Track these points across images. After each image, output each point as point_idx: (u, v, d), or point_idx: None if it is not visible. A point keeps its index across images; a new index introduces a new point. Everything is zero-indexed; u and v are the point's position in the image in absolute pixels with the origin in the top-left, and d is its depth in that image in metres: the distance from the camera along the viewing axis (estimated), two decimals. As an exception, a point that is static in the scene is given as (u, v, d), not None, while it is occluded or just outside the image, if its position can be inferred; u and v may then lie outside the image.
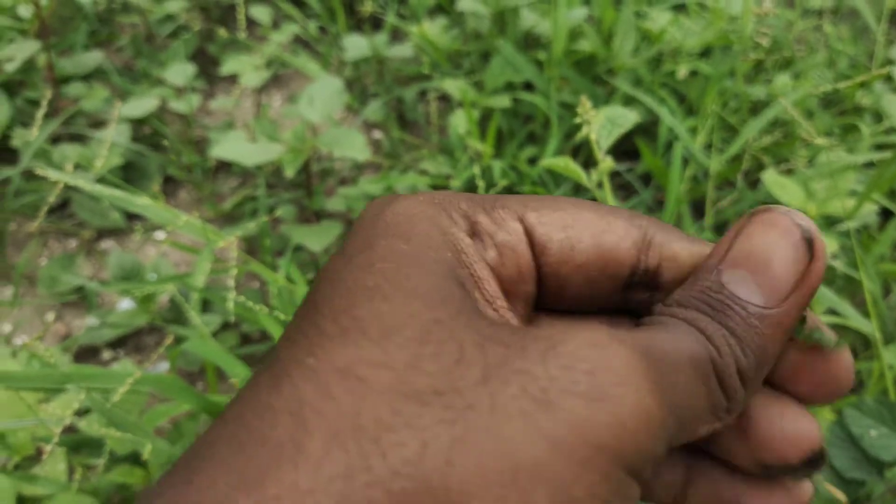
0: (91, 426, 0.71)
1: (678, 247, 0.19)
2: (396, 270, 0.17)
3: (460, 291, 0.17)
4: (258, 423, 0.15)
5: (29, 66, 1.24)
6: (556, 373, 0.15)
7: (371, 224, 0.18)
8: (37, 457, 0.77)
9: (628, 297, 0.20)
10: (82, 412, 0.78)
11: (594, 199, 1.19)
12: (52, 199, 0.70)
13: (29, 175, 1.12)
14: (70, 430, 0.84)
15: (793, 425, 0.19)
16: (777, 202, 1.02)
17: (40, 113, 0.76)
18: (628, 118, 0.75)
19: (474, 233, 0.19)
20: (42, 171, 0.57)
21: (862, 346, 0.97)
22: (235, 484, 0.14)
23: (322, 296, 0.17)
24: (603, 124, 0.73)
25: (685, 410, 0.16)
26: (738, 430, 0.19)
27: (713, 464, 0.20)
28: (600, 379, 0.15)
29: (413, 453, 0.14)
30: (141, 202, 0.55)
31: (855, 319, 0.81)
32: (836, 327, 0.97)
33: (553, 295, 0.20)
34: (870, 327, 0.79)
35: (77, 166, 1.08)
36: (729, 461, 0.20)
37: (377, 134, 1.39)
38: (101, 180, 0.95)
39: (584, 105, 0.68)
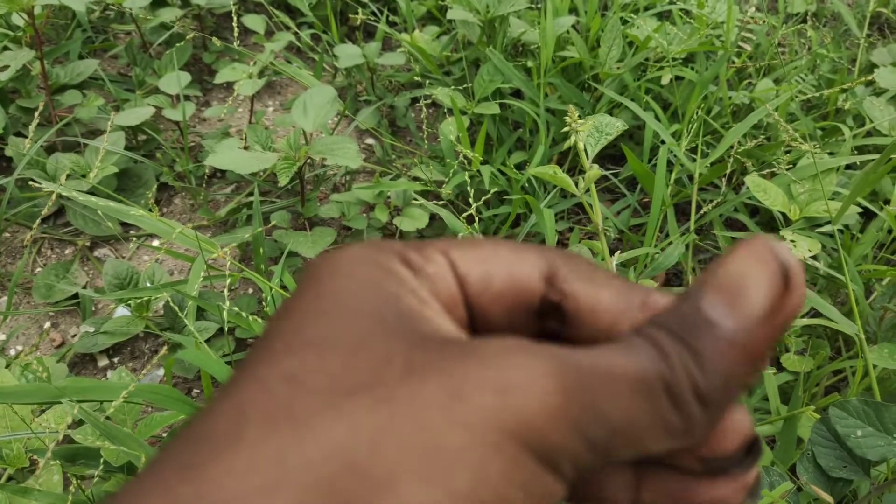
0: (86, 437, 0.72)
1: (577, 286, 0.21)
2: (340, 299, 0.19)
3: (399, 312, 0.19)
4: (205, 421, 0.17)
5: (23, 74, 1.25)
6: (471, 371, 0.17)
7: (319, 267, 0.20)
8: (31, 468, 0.78)
9: (543, 325, 0.22)
10: (77, 422, 0.79)
11: (580, 205, 1.21)
12: (46, 208, 0.71)
13: (24, 184, 1.13)
14: (65, 440, 0.84)
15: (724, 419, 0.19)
16: (760, 205, 1.05)
17: (33, 124, 0.77)
18: (615, 126, 0.77)
19: (409, 268, 0.21)
20: (35, 181, 0.59)
21: (845, 345, 0.99)
22: (178, 471, 0.15)
23: (274, 324, 0.19)
24: (590, 133, 0.75)
25: (620, 423, 0.17)
26: None
27: (661, 463, 0.21)
28: (508, 375, 0.17)
29: (342, 436, 0.16)
30: (134, 213, 0.57)
31: (838, 320, 0.83)
32: (816, 328, 0.99)
33: (481, 322, 0.22)
34: (854, 329, 0.81)
35: (71, 175, 1.09)
36: (672, 462, 0.21)
37: (369, 140, 1.41)
38: (96, 189, 0.96)
39: (572, 114, 0.70)
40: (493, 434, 0.16)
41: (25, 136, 1.16)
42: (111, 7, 1.21)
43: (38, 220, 0.70)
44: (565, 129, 0.70)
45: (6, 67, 1.18)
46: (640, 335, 0.18)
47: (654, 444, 0.18)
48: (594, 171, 0.67)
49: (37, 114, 0.80)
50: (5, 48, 1.26)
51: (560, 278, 0.21)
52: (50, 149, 1.25)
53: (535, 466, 0.16)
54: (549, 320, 0.21)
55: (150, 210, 0.64)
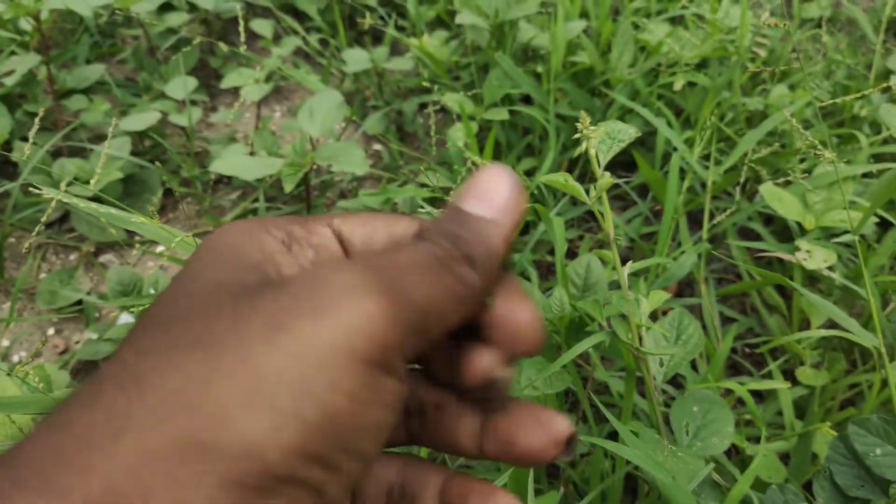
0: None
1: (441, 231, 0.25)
2: (190, 276, 0.22)
3: (253, 277, 0.21)
4: (76, 394, 0.19)
5: (30, 79, 1.25)
6: (287, 303, 0.19)
7: (202, 244, 0.24)
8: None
9: None
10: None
11: (591, 213, 1.19)
12: (50, 213, 0.70)
13: (29, 189, 1.12)
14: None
15: (475, 353, 0.24)
16: (774, 214, 1.02)
17: (33, 130, 0.76)
18: (628, 133, 0.75)
19: (292, 239, 0.24)
20: (36, 187, 0.58)
21: (861, 358, 0.97)
22: (49, 431, 0.18)
23: (143, 312, 0.23)
24: (602, 139, 0.73)
25: (427, 303, 0.21)
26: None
27: (492, 413, 0.26)
28: (322, 297, 0.19)
29: (178, 384, 0.18)
30: (136, 220, 0.56)
31: (858, 333, 0.80)
32: (832, 341, 0.97)
33: None
34: (874, 341, 0.79)
35: (76, 180, 1.08)
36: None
37: (377, 146, 1.40)
38: (100, 195, 0.95)
39: (584, 120, 0.68)
40: (317, 353, 0.18)
41: (34, 142, 1.15)
42: (119, 12, 1.20)
43: (38, 226, 0.69)
44: (576, 135, 0.68)
45: (12, 72, 1.17)
46: (419, 239, 0.23)
47: (452, 312, 0.22)
48: (606, 180, 0.66)
49: (37, 119, 0.80)
50: (12, 53, 1.26)
51: (429, 233, 0.24)
52: (57, 153, 1.25)
53: (368, 371, 0.19)
54: None
55: (151, 217, 0.63)
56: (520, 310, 0.24)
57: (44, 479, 0.17)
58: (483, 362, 0.24)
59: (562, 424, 0.25)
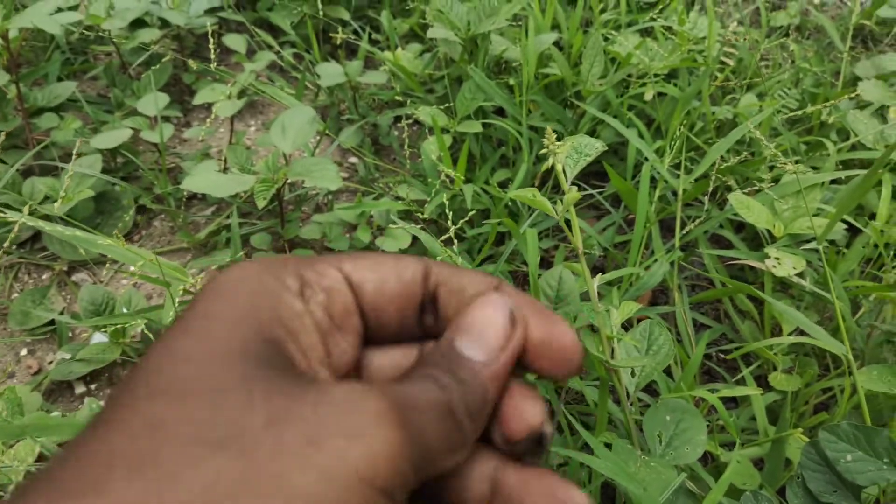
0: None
1: (446, 274, 0.25)
2: (206, 333, 0.21)
3: (266, 348, 0.21)
4: (70, 467, 0.18)
5: None
6: (325, 417, 0.19)
7: (204, 291, 0.22)
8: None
9: (424, 322, 0.26)
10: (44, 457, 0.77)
11: (558, 226, 1.20)
12: (16, 235, 0.70)
13: (-1, 208, 1.11)
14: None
15: (522, 405, 0.24)
16: (745, 221, 1.04)
17: (0, 148, 0.76)
18: (594, 147, 0.76)
19: (304, 284, 0.23)
20: (3, 212, 0.57)
21: (833, 363, 0.98)
22: None
23: (146, 361, 0.20)
24: (569, 154, 0.74)
25: (431, 444, 0.21)
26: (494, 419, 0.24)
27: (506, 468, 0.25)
28: (357, 420, 0.19)
29: (203, 487, 0.17)
30: (102, 242, 0.55)
31: (826, 341, 0.81)
32: (804, 346, 0.98)
33: (375, 326, 0.25)
34: (842, 349, 0.80)
35: (47, 199, 1.07)
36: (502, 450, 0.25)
37: (352, 159, 1.40)
38: (70, 214, 0.94)
39: (550, 136, 0.69)
40: (346, 478, 0.18)
41: (3, 161, 1.14)
42: (90, 29, 1.20)
43: (5, 246, 0.68)
44: (544, 150, 0.69)
45: (-19, 91, 1.16)
46: (423, 373, 0.22)
47: (447, 461, 0.22)
48: (572, 195, 0.66)
49: (2, 137, 0.79)
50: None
51: (434, 273, 0.25)
52: (28, 172, 1.23)
53: (379, 499, 0.19)
54: (426, 316, 0.26)
55: (117, 239, 0.62)
56: (561, 333, 0.24)
57: None
58: (535, 415, 0.23)
59: (579, 500, 0.24)
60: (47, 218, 1.01)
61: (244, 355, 0.20)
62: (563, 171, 0.70)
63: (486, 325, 0.24)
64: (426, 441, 0.21)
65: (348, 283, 0.24)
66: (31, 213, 0.81)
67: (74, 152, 0.79)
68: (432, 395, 0.21)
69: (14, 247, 1.13)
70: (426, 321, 0.26)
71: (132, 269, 1.16)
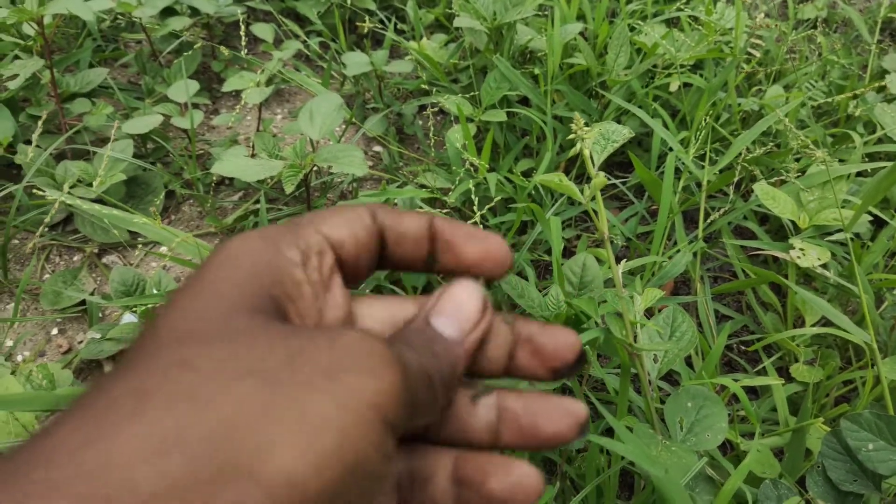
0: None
1: (389, 217, 0.28)
2: (216, 293, 0.23)
3: (273, 304, 0.24)
4: (104, 400, 0.19)
5: (33, 83, 1.26)
6: (340, 356, 0.21)
7: (209, 259, 0.25)
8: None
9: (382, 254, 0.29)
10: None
11: (580, 216, 1.20)
12: (53, 215, 0.72)
13: (32, 191, 1.14)
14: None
15: (556, 335, 0.28)
16: (769, 213, 1.03)
17: (37, 133, 0.78)
18: (622, 133, 0.76)
19: (303, 254, 0.26)
20: (40, 189, 0.59)
21: (855, 355, 0.98)
22: (82, 439, 0.18)
23: (163, 317, 0.22)
24: (596, 140, 0.75)
25: (417, 403, 0.23)
26: (531, 350, 0.28)
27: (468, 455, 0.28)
28: (369, 361, 0.22)
29: (231, 411, 0.19)
30: (138, 221, 0.57)
31: (851, 330, 0.81)
32: (826, 338, 0.98)
33: (350, 277, 0.28)
34: (866, 338, 0.80)
35: (79, 182, 1.10)
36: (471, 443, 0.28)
37: (377, 147, 1.41)
38: (103, 197, 0.97)
39: (578, 122, 0.69)
40: (358, 405, 0.20)
41: (37, 145, 1.16)
42: (121, 16, 1.22)
43: (41, 228, 0.70)
44: (571, 136, 0.69)
45: (16, 76, 1.19)
46: (405, 343, 0.25)
47: (423, 420, 0.24)
48: (599, 179, 0.67)
49: (41, 122, 0.81)
50: (16, 57, 1.28)
51: (379, 217, 0.28)
52: (60, 156, 1.26)
53: (384, 430, 0.21)
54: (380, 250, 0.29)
55: (152, 218, 0.64)
56: (496, 246, 0.28)
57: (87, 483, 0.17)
58: (572, 337, 0.28)
59: (580, 407, 0.27)
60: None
61: (255, 309, 0.23)
62: (591, 157, 0.70)
63: (461, 306, 0.27)
64: (416, 396, 0.23)
65: (330, 244, 0.27)
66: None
67: (112, 135, 0.81)
68: (420, 363, 0.24)
69: (46, 229, 1.16)
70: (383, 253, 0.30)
71: (163, 249, 1.18)
